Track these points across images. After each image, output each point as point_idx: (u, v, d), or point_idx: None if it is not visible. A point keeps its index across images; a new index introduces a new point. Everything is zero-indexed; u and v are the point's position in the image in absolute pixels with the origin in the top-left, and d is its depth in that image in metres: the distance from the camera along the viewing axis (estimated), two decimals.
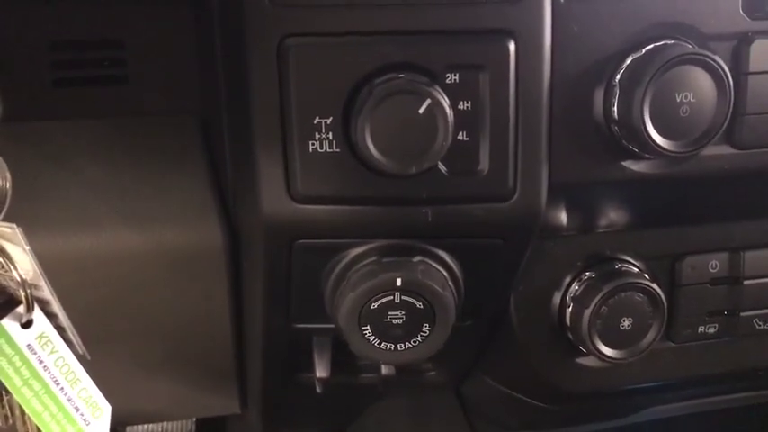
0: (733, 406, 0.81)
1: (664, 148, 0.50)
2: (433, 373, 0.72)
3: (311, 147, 0.48)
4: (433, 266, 0.53)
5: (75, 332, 0.48)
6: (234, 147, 0.58)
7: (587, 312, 0.59)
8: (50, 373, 0.48)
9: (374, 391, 0.77)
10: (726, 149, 0.55)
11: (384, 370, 0.66)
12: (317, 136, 0.48)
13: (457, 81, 0.48)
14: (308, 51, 0.48)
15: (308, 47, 0.48)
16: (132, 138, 0.63)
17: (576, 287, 0.61)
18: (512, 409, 0.75)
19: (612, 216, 0.62)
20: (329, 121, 0.48)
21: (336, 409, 0.82)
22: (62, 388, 0.48)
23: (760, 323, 0.65)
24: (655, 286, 0.59)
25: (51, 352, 0.48)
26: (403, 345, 0.53)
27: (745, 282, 0.64)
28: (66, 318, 0.47)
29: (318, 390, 0.69)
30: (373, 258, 0.52)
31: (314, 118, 0.48)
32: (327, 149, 0.48)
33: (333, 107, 0.48)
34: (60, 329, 0.47)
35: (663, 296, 0.60)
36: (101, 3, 0.62)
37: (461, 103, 0.48)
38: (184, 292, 0.65)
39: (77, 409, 0.49)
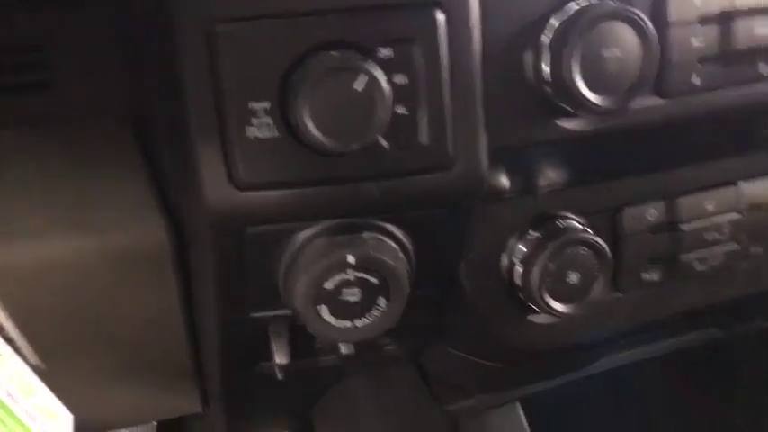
0: (682, 347, 0.85)
1: (595, 104, 0.51)
2: (392, 347, 0.73)
3: (250, 133, 0.47)
4: (384, 241, 0.53)
5: (26, 343, 0.47)
6: (170, 141, 0.57)
7: (535, 271, 0.60)
8: (2, 386, 0.46)
9: (335, 372, 0.78)
10: (655, 100, 0.57)
11: (343, 349, 0.66)
12: (254, 121, 0.47)
13: (391, 55, 0.48)
14: (238, 36, 0.47)
15: (237, 32, 0.47)
16: (65, 145, 0.62)
17: (523, 248, 0.62)
18: (471, 373, 0.76)
19: (553, 175, 0.63)
20: (266, 105, 0.47)
21: (299, 395, 0.83)
22: (16, 400, 0.47)
23: (699, 265, 0.68)
24: (598, 239, 0.61)
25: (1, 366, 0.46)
26: (360, 321, 0.53)
27: (682, 226, 0.66)
28: (16, 329, 0.46)
29: (279, 377, 0.69)
30: (323, 239, 0.52)
31: (250, 103, 0.47)
32: (267, 134, 0.47)
33: (268, 91, 0.47)
34: (9, 341, 0.46)
35: (606, 248, 0.62)
36: (14, 5, 0.60)
37: (397, 76, 0.49)
38: (134, 295, 0.64)
39: (34, 420, 0.48)
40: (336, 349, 0.67)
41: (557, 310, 0.62)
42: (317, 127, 0.46)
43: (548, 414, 0.87)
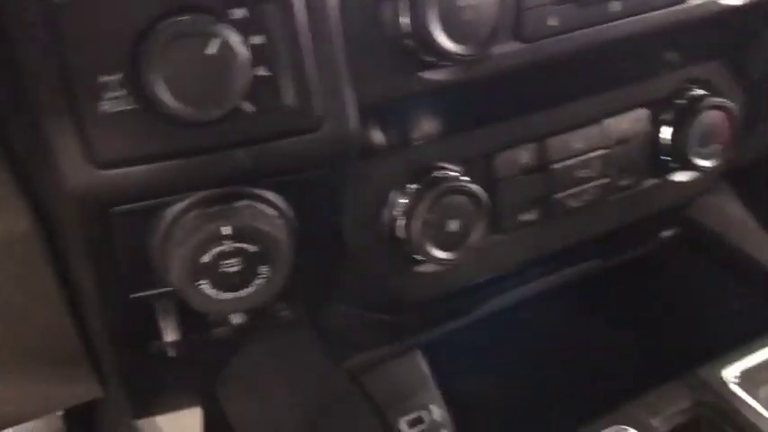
0: (568, 280, 0.89)
1: (455, 53, 0.52)
2: (285, 312, 0.73)
3: (103, 108, 0.45)
4: (259, 208, 0.52)
5: None
6: (23, 126, 0.53)
7: (416, 222, 0.61)
8: None
9: (233, 342, 0.77)
10: (514, 45, 0.58)
11: (234, 320, 0.66)
12: (107, 95, 0.45)
13: (246, 16, 0.47)
14: (80, 9, 0.44)
15: (79, 4, 0.44)
16: None
17: (403, 200, 0.63)
18: (367, 328, 0.78)
19: (426, 126, 0.64)
20: (118, 77, 0.45)
21: (200, 369, 0.82)
22: None
23: (573, 201, 0.71)
24: (474, 186, 0.63)
25: None
26: (244, 291, 0.52)
27: (553, 166, 0.69)
28: None
29: (172, 354, 0.68)
30: (195, 212, 0.51)
31: (100, 77, 0.45)
32: (121, 108, 0.45)
33: (119, 62, 0.45)
34: None
35: (483, 194, 0.63)
36: None
37: (254, 38, 0.47)
38: (9, 288, 0.61)
39: None
40: (228, 321, 0.67)
41: (440, 259, 0.63)
42: (173, 96, 0.44)
43: (449, 358, 0.89)
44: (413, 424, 0.83)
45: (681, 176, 0.76)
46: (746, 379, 0.70)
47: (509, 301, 0.88)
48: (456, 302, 0.80)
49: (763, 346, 0.73)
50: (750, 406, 0.67)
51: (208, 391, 0.84)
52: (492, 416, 0.92)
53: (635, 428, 0.66)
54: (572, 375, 0.93)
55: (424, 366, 0.86)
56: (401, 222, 0.63)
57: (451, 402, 0.85)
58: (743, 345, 0.74)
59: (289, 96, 0.49)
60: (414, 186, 0.62)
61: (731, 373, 0.70)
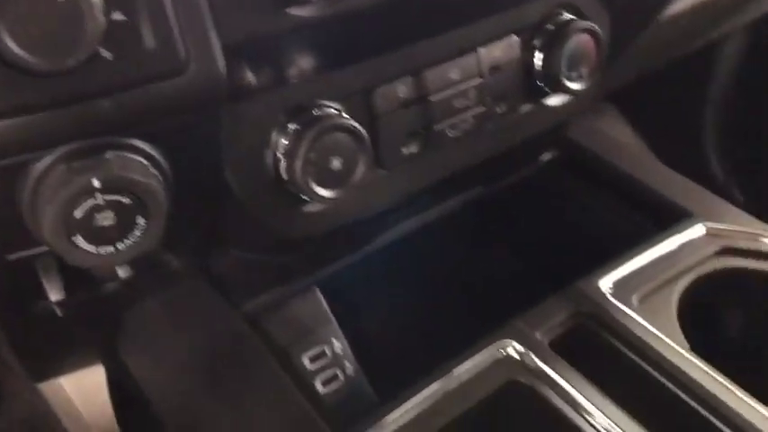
0: (450, 209, 0.91)
1: None
2: (174, 262, 0.72)
3: None
4: (130, 158, 0.51)
5: None
6: None
7: (298, 162, 0.61)
8: None
9: (125, 297, 0.76)
10: None
11: (121, 273, 0.65)
12: None
13: None
14: None
15: None
16: None
17: (284, 141, 0.62)
18: (260, 270, 0.78)
19: (302, 64, 0.63)
20: None
21: (94, 327, 0.80)
22: None
23: (452, 131, 0.73)
24: (354, 123, 0.63)
25: None
26: (122, 244, 0.51)
27: (431, 98, 0.69)
28: None
29: (60, 314, 0.66)
30: (63, 166, 0.49)
31: None
32: None
33: None
34: None
35: (363, 130, 0.63)
36: None
37: None
38: None
39: None
40: (115, 275, 0.65)
41: (324, 197, 0.63)
42: (21, 46, 0.42)
43: (347, 292, 0.91)
44: (315, 359, 0.84)
45: (554, 100, 0.79)
46: (620, 288, 0.75)
47: (399, 233, 0.90)
48: (347, 238, 0.81)
49: (633, 257, 0.78)
50: (624, 312, 0.72)
51: (108, 348, 0.82)
52: (392, 343, 0.95)
53: (518, 342, 0.70)
54: (465, 298, 0.97)
55: (323, 302, 0.87)
56: (283, 163, 0.62)
57: (352, 335, 0.87)
58: (617, 256, 0.78)
59: (149, 40, 0.48)
60: (293, 126, 0.62)
61: (606, 283, 0.75)
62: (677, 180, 0.91)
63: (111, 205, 0.50)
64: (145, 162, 0.52)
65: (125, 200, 0.50)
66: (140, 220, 0.51)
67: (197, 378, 0.74)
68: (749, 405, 0.64)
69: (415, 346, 0.94)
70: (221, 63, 0.51)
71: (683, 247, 0.80)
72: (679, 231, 0.81)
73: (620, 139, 0.97)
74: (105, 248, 0.51)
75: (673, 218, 0.85)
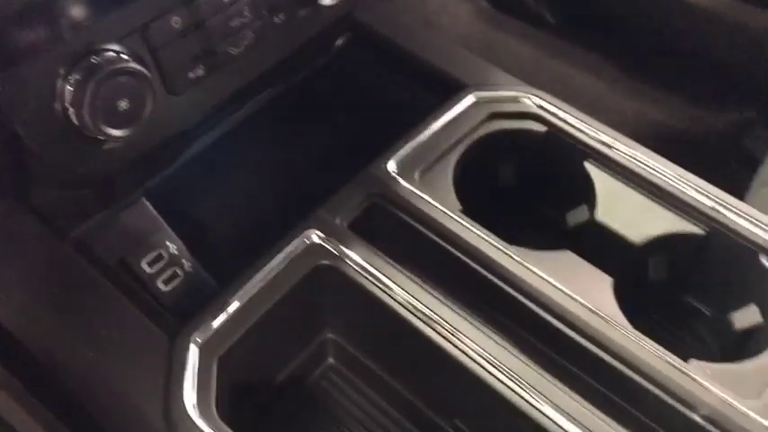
0: (256, 110, 0.98)
1: None
2: None
3: None
4: None
5: None
6: None
7: (86, 110, 0.66)
8: None
9: None
10: None
11: None
12: None
13: None
14: None
15: None
16: None
17: (69, 90, 0.67)
18: (84, 200, 0.83)
19: (74, 15, 0.66)
20: None
21: None
22: None
23: (234, 49, 0.78)
24: (133, 64, 0.68)
25: None
26: None
27: (207, 23, 0.74)
28: None
29: None
30: None
31: None
32: None
33: None
34: None
35: (142, 69, 0.68)
36: None
37: None
38: None
39: None
40: None
41: (119, 137, 0.69)
42: None
43: (174, 197, 0.97)
44: (153, 262, 0.91)
45: (327, 0, 0.85)
46: (403, 166, 0.86)
47: (218, 134, 0.96)
48: (163, 153, 0.87)
49: (415, 135, 0.89)
50: (407, 188, 0.84)
51: None
52: (224, 236, 1.04)
53: (320, 229, 0.80)
54: (291, 181, 1.06)
55: (152, 210, 0.93)
56: (72, 112, 0.67)
57: (186, 235, 0.95)
58: (403, 137, 0.89)
59: None
60: (75, 77, 0.66)
61: (392, 165, 0.86)
62: (456, 53, 1.01)
63: None
64: None
65: None
66: None
67: (42, 307, 0.80)
68: (502, 252, 0.79)
69: (242, 235, 1.03)
70: None
71: (456, 118, 0.91)
72: (454, 103, 0.92)
73: (405, 21, 1.05)
74: None
75: (452, 89, 0.96)
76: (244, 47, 0.79)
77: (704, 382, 0.70)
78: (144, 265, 0.91)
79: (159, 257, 0.92)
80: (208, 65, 0.77)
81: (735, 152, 1.60)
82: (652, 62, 1.55)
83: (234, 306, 0.77)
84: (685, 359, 0.73)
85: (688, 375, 0.70)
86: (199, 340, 0.74)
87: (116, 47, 0.69)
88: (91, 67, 0.66)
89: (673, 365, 0.71)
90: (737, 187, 1.12)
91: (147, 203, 0.94)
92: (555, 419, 0.69)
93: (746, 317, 0.82)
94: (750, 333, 0.82)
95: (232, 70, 0.81)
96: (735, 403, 0.69)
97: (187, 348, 0.73)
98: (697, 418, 0.69)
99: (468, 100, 0.93)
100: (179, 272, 0.93)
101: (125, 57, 0.68)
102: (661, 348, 0.72)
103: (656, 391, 0.70)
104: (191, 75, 0.76)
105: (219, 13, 0.75)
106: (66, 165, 0.70)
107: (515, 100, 0.93)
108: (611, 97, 1.52)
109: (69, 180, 0.75)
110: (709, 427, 0.68)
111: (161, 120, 0.75)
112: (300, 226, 0.81)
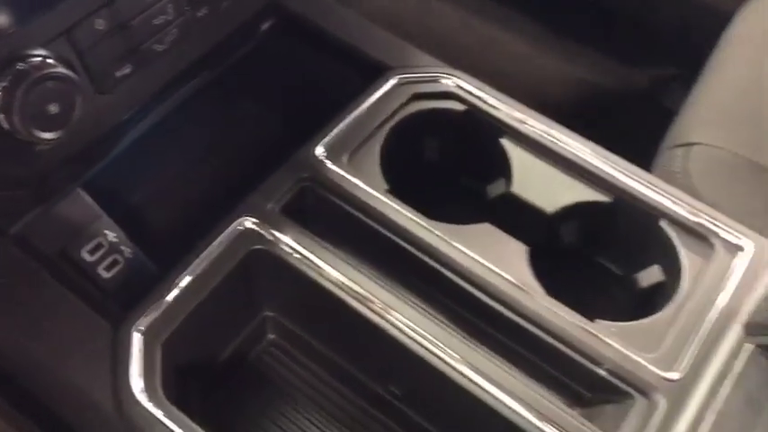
0: (186, 98, 1.00)
1: None
2: None
3: None
4: None
5: None
6: None
7: (16, 116, 0.68)
8: None
9: None
10: None
11: None
12: None
13: None
14: None
15: None
16: None
17: None
18: (19, 197, 0.85)
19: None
20: None
21: None
22: None
23: (160, 46, 0.81)
24: (59, 69, 0.70)
25: None
26: None
27: (130, 23, 0.77)
28: None
29: None
30: None
31: None
32: None
33: None
34: None
35: (69, 73, 0.71)
36: None
37: None
38: None
39: None
40: None
41: (51, 139, 0.72)
42: None
43: (111, 186, 0.99)
44: (93, 251, 0.93)
45: None
46: (332, 150, 0.90)
47: (147, 126, 0.99)
48: (96, 150, 0.89)
49: (342, 119, 0.93)
50: (335, 171, 0.88)
51: None
52: (163, 222, 1.07)
53: (254, 215, 0.85)
54: (220, 173, 1.09)
55: (89, 201, 0.95)
56: (2, 118, 0.69)
57: (125, 223, 0.98)
58: (330, 121, 0.93)
59: None
60: (2, 84, 0.68)
61: (320, 149, 0.90)
62: (379, 36, 1.05)
63: None
64: None
65: None
66: None
67: None
68: (426, 228, 0.84)
69: (188, 216, 1.06)
70: None
71: (380, 100, 0.95)
72: (378, 86, 0.97)
73: (326, 3, 1.07)
74: None
75: (377, 70, 1.00)
76: (169, 43, 0.81)
77: (607, 339, 0.77)
78: (84, 254, 0.93)
79: (99, 246, 0.94)
80: (135, 63, 0.79)
81: (654, 108, 1.68)
82: (574, 20, 1.62)
83: (173, 293, 0.81)
84: (595, 318, 0.80)
85: (593, 334, 0.78)
86: (142, 328, 0.78)
87: (42, 52, 0.71)
88: (18, 73, 0.68)
89: (579, 326, 0.78)
90: (656, 144, 1.20)
91: (84, 193, 0.96)
92: (476, 381, 0.76)
93: (650, 276, 0.90)
94: (654, 290, 0.90)
95: (159, 65, 0.83)
96: (634, 357, 0.77)
97: (131, 336, 0.77)
98: (602, 372, 0.76)
99: (391, 82, 0.97)
100: (119, 258, 0.96)
101: (51, 62, 0.70)
102: (570, 311, 0.79)
103: (566, 350, 0.77)
104: (118, 74, 0.78)
105: (143, 13, 0.77)
106: (4, 167, 0.72)
107: (436, 80, 0.98)
108: (535, 55, 1.58)
109: (3, 182, 0.77)
110: (613, 379, 0.76)
111: (93, 118, 0.77)
112: (235, 212, 0.85)
